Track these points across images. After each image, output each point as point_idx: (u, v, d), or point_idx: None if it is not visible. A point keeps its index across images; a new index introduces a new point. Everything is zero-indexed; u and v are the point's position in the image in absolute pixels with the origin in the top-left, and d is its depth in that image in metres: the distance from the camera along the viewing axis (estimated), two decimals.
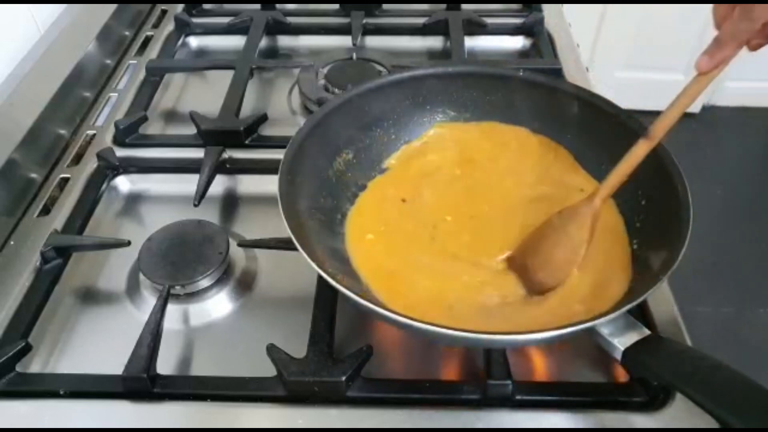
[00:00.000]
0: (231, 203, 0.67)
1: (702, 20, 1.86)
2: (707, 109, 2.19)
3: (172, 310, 0.53)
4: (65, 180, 0.66)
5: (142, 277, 0.55)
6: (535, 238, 0.53)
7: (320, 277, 0.45)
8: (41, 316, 0.54)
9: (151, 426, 0.46)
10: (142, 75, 0.80)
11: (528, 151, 0.61)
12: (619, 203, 0.54)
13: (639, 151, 0.49)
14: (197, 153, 0.67)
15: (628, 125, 0.54)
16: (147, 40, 0.90)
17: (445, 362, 0.51)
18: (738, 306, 1.64)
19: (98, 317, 0.55)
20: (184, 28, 0.91)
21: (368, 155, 0.61)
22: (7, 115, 0.67)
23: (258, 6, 0.93)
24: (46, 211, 0.63)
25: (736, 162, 2.04)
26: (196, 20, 0.92)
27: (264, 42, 0.88)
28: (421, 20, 0.89)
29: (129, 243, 0.57)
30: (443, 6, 0.92)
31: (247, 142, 0.69)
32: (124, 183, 0.68)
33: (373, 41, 0.89)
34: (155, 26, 0.93)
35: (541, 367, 0.50)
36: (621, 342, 0.42)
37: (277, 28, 0.90)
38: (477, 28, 0.89)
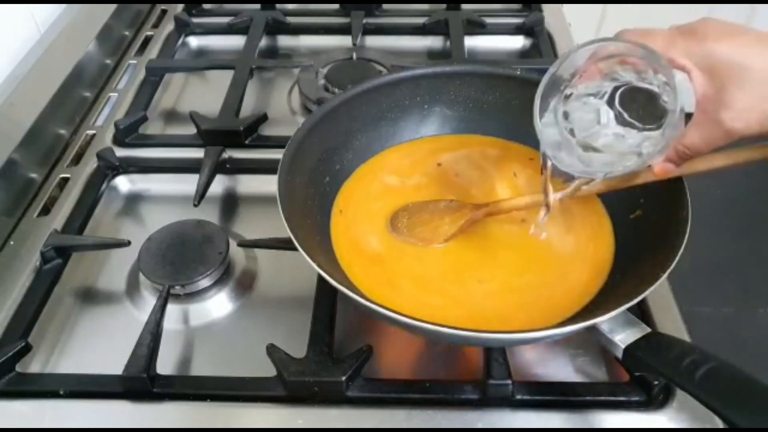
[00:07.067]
0: (231, 203, 0.66)
1: None
2: None
3: (172, 310, 0.53)
4: (65, 180, 0.66)
5: (141, 277, 0.55)
6: (422, 204, 0.56)
7: (320, 277, 0.45)
8: (41, 316, 0.54)
9: (151, 426, 0.46)
10: (142, 75, 0.80)
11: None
12: (618, 200, 0.54)
13: (523, 201, 0.53)
14: (197, 153, 0.67)
15: None
16: (147, 40, 0.90)
17: (445, 362, 0.51)
18: (738, 306, 1.63)
19: (98, 317, 0.55)
20: (184, 28, 0.91)
21: (367, 154, 0.61)
22: (7, 115, 0.67)
23: (258, 6, 0.93)
24: (45, 211, 0.63)
25: None
26: (196, 20, 0.92)
27: (264, 42, 0.88)
28: (421, 20, 0.89)
29: (129, 243, 0.57)
30: (443, 6, 0.92)
31: (247, 142, 0.69)
32: (123, 183, 0.68)
33: (373, 41, 0.89)
34: (155, 26, 0.93)
35: (541, 367, 0.50)
36: (622, 339, 0.41)
37: (277, 28, 0.90)
38: (477, 28, 0.89)
